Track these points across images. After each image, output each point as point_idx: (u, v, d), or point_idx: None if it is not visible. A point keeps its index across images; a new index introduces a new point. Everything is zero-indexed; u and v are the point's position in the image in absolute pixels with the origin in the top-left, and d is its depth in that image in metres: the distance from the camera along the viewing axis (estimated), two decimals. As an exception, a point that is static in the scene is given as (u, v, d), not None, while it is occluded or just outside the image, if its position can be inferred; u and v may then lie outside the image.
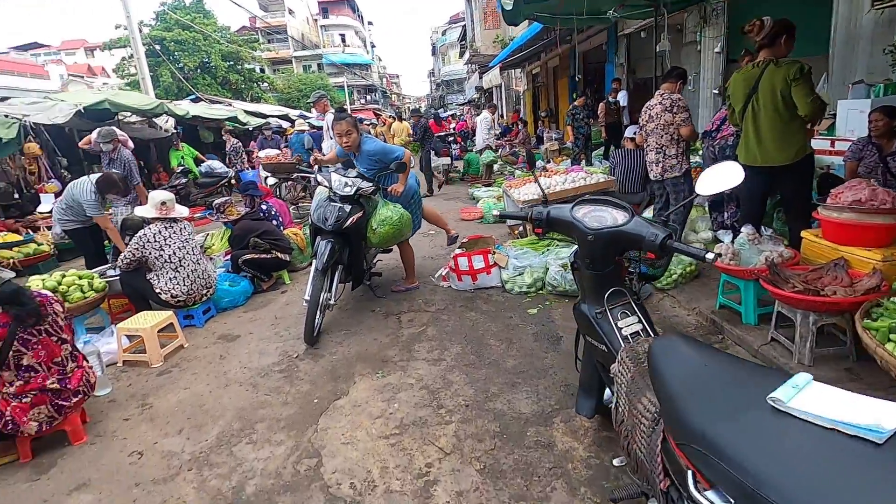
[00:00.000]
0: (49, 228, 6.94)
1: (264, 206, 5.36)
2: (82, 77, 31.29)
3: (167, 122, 11.33)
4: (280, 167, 7.97)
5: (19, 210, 8.18)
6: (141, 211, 3.94)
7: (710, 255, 1.53)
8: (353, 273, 3.90)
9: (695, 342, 1.37)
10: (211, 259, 5.29)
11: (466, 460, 2.24)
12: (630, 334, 1.84)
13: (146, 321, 3.49)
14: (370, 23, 57.10)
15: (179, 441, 2.57)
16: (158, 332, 3.56)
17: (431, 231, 6.56)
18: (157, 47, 27.57)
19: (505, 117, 20.61)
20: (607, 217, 1.83)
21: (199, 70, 28.86)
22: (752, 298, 3.00)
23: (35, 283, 3.63)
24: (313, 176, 3.89)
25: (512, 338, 3.39)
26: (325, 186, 3.69)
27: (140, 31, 28.23)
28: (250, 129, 14.71)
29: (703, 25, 7.73)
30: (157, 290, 3.84)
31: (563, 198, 4.94)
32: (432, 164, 9.51)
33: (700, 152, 5.44)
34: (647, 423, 1.55)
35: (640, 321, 1.86)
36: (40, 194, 7.83)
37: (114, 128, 6.36)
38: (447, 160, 10.54)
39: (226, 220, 4.89)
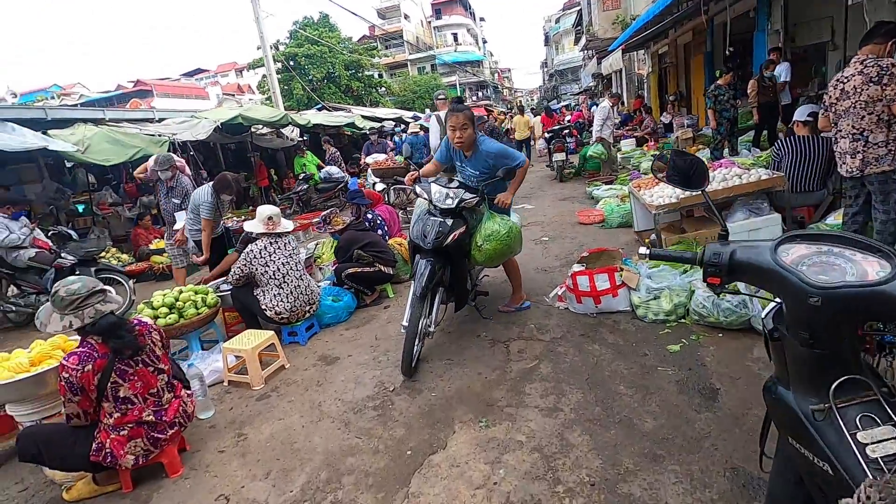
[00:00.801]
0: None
1: (370, 216, 5.18)
2: (233, 95, 35.51)
3: (293, 131, 12.05)
4: (388, 172, 7.87)
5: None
6: (249, 226, 3.91)
7: None
8: (456, 293, 3.46)
9: None
10: (321, 269, 5.26)
11: (595, 577, 1.65)
12: (883, 457, 1.11)
13: (249, 342, 3.41)
14: (482, 19, 56.85)
15: (265, 488, 2.34)
16: (262, 350, 3.47)
17: (545, 237, 5.91)
18: (291, 63, 30.25)
19: (626, 104, 18.84)
20: (845, 265, 1.11)
21: (325, 80, 30.98)
22: None
23: (157, 297, 3.75)
24: (410, 189, 3.52)
25: (649, 385, 2.67)
26: (424, 199, 3.30)
27: (277, 49, 31.05)
28: (367, 132, 15.24)
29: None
30: (263, 307, 3.78)
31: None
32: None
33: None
34: None
35: (901, 436, 1.12)
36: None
37: (171, 154, 6.01)
38: (562, 155, 9.68)
39: (332, 230, 4.78)
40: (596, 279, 3.52)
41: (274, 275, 3.76)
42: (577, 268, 3.69)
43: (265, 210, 3.89)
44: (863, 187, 3.21)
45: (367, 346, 3.70)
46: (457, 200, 3.19)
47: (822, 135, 4.05)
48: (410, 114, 20.83)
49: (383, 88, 33.83)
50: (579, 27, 25.18)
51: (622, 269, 3.57)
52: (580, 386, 2.76)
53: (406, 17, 41.78)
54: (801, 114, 4.07)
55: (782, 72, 7.69)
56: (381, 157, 8.98)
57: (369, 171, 8.61)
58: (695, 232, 4.09)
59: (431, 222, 3.16)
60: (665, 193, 4.16)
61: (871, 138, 2.99)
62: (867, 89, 2.95)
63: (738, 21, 10.66)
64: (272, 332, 3.54)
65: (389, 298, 4.66)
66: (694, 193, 1.71)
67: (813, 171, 3.97)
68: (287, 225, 3.96)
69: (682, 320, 3.31)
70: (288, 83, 30.20)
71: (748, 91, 7.87)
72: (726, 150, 7.76)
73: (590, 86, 29.97)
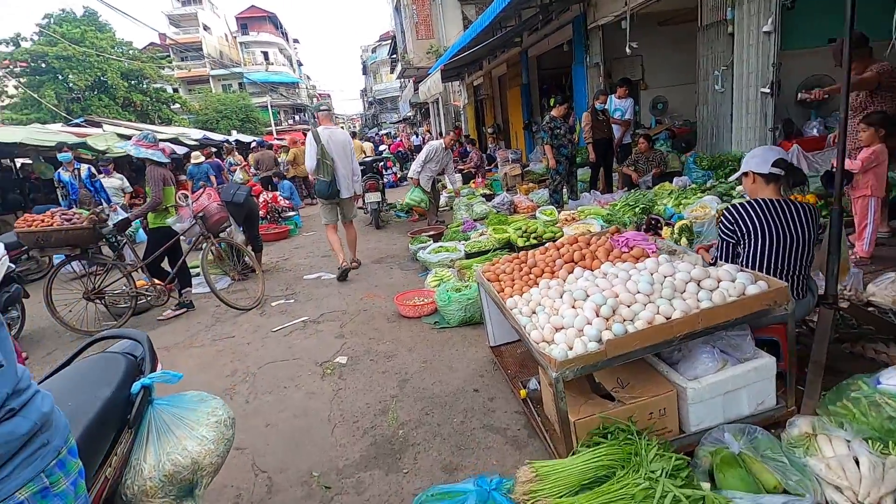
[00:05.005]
0: None
1: None
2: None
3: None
4: (48, 239, 3.93)
5: None
6: None
7: None
8: None
9: None
10: None
11: None
12: None
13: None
14: (296, 40, 52.54)
15: None
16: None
17: (340, 357, 3.17)
18: (42, 65, 22.71)
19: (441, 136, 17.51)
20: None
21: (93, 90, 23.83)
22: None
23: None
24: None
25: None
26: None
27: (17, 46, 22.97)
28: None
29: (738, -3, 4.99)
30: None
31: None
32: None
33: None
34: None
35: None
36: None
37: None
38: (376, 196, 7.15)
39: None
40: None
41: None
42: None
43: None
44: None
45: None
46: None
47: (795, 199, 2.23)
48: (200, 134, 16.20)
49: (177, 105, 27.54)
50: (394, 55, 23.73)
51: None
52: None
53: (206, 27, 35.67)
54: (760, 164, 2.18)
55: (627, 108, 6.42)
56: None
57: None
58: (629, 401, 1.85)
59: None
60: (567, 312, 1.84)
61: None
62: None
63: (553, 55, 9.74)
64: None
65: None
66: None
67: (797, 263, 2.09)
68: None
69: None
70: (36, 89, 22.33)
71: (583, 125, 6.52)
72: (566, 192, 6.24)
73: (408, 115, 28.91)
